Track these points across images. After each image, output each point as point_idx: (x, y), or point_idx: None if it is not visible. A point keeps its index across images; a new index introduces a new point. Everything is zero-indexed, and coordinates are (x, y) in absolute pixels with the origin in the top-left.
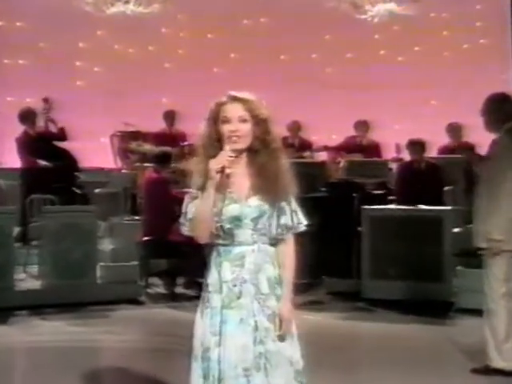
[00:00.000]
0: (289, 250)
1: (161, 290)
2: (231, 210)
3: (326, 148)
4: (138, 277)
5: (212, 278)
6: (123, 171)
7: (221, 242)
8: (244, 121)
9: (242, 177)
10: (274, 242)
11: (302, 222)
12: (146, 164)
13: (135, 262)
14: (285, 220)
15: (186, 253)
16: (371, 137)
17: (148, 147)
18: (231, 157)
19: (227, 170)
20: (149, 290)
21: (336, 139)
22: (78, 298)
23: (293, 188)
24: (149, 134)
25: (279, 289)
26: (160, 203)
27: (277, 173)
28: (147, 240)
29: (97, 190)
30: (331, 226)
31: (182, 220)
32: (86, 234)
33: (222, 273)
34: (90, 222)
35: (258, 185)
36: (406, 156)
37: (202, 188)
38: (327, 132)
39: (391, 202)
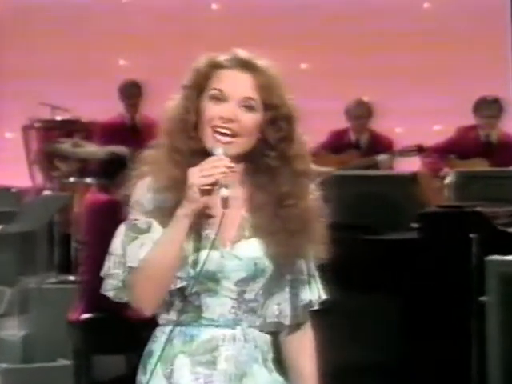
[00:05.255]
0: (309, 342)
1: None
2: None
3: (419, 149)
4: None
5: (155, 383)
6: (46, 192)
7: (177, 317)
8: (249, 108)
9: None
10: (271, 327)
11: (321, 295)
12: (87, 179)
13: (67, 362)
14: (307, 295)
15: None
16: (506, 128)
17: (92, 149)
18: (230, 168)
19: (223, 192)
20: None
21: (440, 133)
22: None
23: (323, 239)
24: (93, 125)
25: None
26: None
27: (303, 212)
28: (89, 319)
29: None
30: (430, 295)
31: (110, 269)
32: None
33: (174, 376)
34: None
35: (261, 222)
36: None
37: (166, 215)
38: (422, 120)
39: None
